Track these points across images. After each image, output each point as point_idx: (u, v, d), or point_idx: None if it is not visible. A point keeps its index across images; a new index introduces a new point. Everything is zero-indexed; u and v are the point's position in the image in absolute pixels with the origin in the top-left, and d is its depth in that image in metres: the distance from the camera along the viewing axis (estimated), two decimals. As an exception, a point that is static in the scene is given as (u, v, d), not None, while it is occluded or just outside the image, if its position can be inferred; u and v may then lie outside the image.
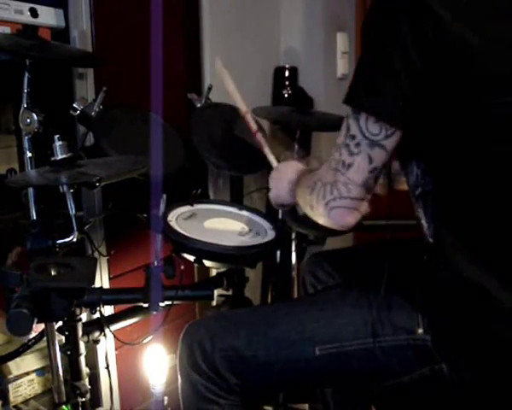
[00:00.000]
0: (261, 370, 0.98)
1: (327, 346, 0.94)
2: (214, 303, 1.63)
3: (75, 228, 1.12)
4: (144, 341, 1.33)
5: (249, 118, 1.34)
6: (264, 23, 2.17)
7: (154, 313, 1.20)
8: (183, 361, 1.01)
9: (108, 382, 1.41)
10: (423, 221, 0.96)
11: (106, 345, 1.42)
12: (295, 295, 1.68)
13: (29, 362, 1.46)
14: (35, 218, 1.25)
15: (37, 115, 1.22)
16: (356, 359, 0.93)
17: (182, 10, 1.80)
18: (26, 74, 1.22)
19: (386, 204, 1.30)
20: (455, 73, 0.81)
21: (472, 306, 0.87)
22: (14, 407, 1.45)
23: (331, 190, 0.91)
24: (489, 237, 0.87)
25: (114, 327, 1.33)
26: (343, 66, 2.25)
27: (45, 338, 1.21)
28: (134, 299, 1.23)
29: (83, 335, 1.23)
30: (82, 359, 1.23)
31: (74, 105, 1.36)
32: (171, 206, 1.28)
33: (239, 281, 1.58)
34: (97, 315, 1.23)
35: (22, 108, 1.23)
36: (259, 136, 1.32)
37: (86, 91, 1.49)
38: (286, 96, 2.16)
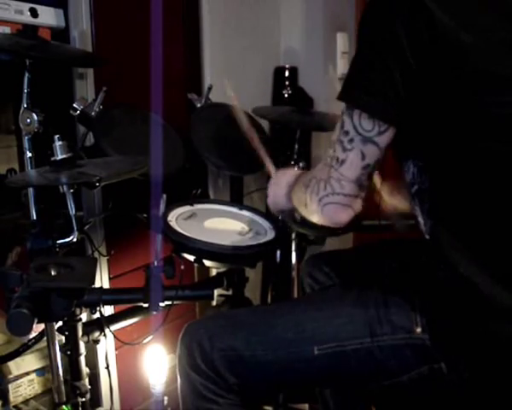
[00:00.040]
0: (260, 370, 0.98)
1: (325, 346, 0.94)
2: (214, 303, 1.63)
3: (75, 228, 1.12)
4: (144, 341, 1.33)
5: (253, 136, 1.34)
6: (264, 23, 2.17)
7: (154, 313, 1.20)
8: (183, 361, 1.01)
9: (108, 382, 1.41)
10: (420, 219, 0.97)
11: (106, 345, 1.42)
12: (295, 296, 1.68)
13: (29, 362, 1.46)
14: (35, 218, 1.26)
15: (37, 115, 1.22)
16: (355, 358, 0.93)
17: (182, 10, 1.81)
18: (26, 74, 1.22)
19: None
20: (448, 71, 0.81)
21: (470, 305, 0.87)
22: (14, 407, 1.45)
23: (324, 187, 0.91)
24: (486, 235, 0.87)
25: (114, 327, 1.33)
26: (343, 66, 2.24)
27: (45, 338, 1.21)
28: (134, 299, 1.23)
29: (83, 335, 1.23)
30: (82, 359, 1.24)
31: (74, 105, 1.36)
32: (171, 206, 1.28)
33: (239, 281, 1.59)
34: (97, 315, 1.23)
35: (22, 108, 1.23)
36: (262, 151, 1.31)
37: (86, 91, 1.49)
38: (286, 96, 2.16)
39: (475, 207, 0.87)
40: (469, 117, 0.83)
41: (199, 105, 1.65)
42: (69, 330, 1.21)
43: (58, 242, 1.13)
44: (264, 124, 1.79)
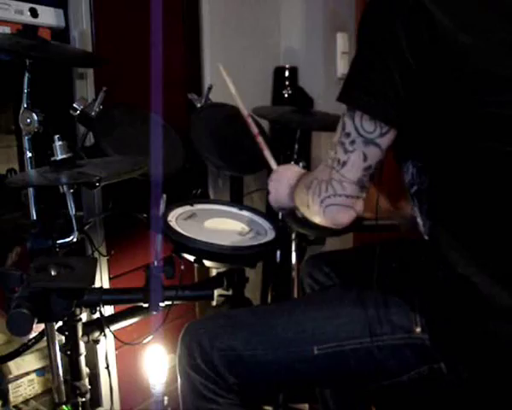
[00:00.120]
0: (260, 369, 0.98)
1: (325, 345, 0.94)
2: (214, 303, 1.63)
3: (75, 228, 1.12)
4: (144, 341, 1.33)
5: (250, 121, 1.34)
6: (264, 23, 2.17)
7: (154, 313, 1.20)
8: (182, 361, 1.01)
9: (108, 382, 1.41)
10: (419, 219, 0.97)
11: (106, 345, 1.43)
12: (295, 296, 1.68)
13: (29, 362, 1.46)
14: (35, 218, 1.25)
15: (37, 115, 1.22)
16: (354, 358, 0.93)
17: (182, 10, 1.81)
18: (26, 74, 1.22)
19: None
20: (448, 71, 0.82)
21: (469, 304, 0.87)
22: (14, 407, 1.45)
23: (326, 188, 0.91)
24: (485, 236, 0.87)
25: (114, 327, 1.33)
26: (343, 66, 2.25)
27: (45, 338, 1.21)
28: (134, 299, 1.23)
29: (83, 335, 1.23)
30: (82, 359, 1.23)
31: (74, 105, 1.36)
32: (171, 206, 1.28)
33: (239, 281, 1.59)
34: (97, 315, 1.23)
35: (22, 108, 1.23)
36: (260, 139, 1.32)
37: (86, 91, 1.49)
38: (286, 96, 2.16)
39: (475, 208, 0.87)
40: (469, 117, 0.83)
41: (199, 105, 1.65)
42: (69, 330, 1.20)
43: (58, 242, 1.13)
44: (264, 124, 1.79)
